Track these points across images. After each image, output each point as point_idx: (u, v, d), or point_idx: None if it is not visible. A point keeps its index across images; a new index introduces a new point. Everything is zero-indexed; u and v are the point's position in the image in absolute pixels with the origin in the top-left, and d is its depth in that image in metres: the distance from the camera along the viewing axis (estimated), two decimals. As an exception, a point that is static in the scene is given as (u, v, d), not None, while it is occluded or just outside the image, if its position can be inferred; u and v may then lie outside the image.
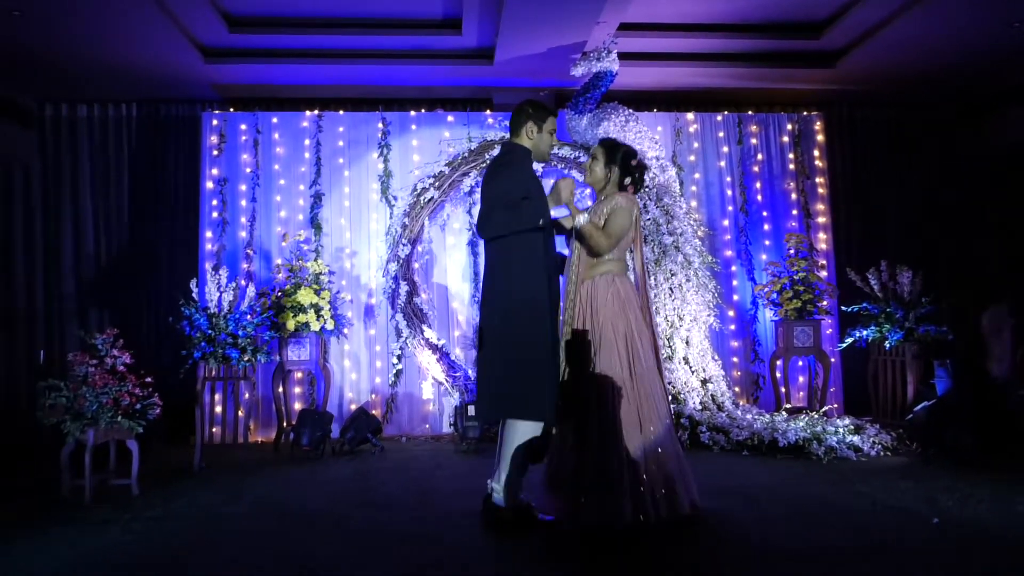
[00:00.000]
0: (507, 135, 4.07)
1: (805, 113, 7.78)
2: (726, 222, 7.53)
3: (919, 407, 5.55)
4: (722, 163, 7.60)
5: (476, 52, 6.68)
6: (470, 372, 6.63)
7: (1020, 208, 7.61)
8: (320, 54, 6.66)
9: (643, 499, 3.54)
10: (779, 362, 6.95)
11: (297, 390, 6.89)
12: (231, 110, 7.33)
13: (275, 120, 7.26)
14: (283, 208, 7.19)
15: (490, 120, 7.28)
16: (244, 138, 7.21)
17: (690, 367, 6.38)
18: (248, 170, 7.18)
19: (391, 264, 6.73)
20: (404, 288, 6.72)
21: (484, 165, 6.54)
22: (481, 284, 4.03)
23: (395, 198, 7.09)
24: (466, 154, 6.81)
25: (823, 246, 7.55)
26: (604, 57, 6.24)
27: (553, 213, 3.81)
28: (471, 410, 5.99)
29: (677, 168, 7.35)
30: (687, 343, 6.43)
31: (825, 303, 6.87)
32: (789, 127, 7.70)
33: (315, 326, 6.31)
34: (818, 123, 7.78)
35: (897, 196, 7.97)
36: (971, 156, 8.06)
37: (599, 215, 3.86)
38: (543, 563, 3.19)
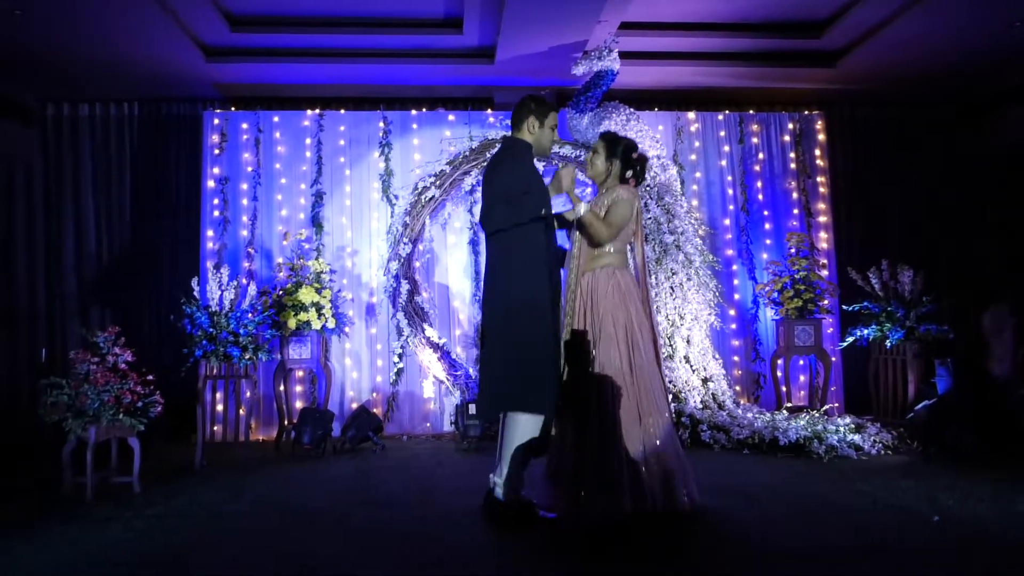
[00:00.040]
0: (508, 133, 4.07)
1: (806, 112, 7.78)
2: (727, 221, 7.53)
3: (920, 406, 5.55)
4: (723, 162, 7.60)
5: (477, 51, 6.69)
6: (471, 371, 6.64)
7: (1020, 208, 7.61)
8: (321, 53, 6.67)
9: (643, 495, 3.54)
10: (780, 361, 6.95)
11: (298, 388, 6.90)
12: (232, 109, 7.34)
13: (276, 119, 7.26)
14: (284, 207, 7.19)
15: (491, 119, 7.29)
16: (245, 137, 7.22)
17: (691, 366, 6.38)
18: (249, 169, 7.19)
19: (392, 263, 6.73)
20: (405, 287, 6.73)
21: (485, 164, 6.53)
22: (483, 281, 4.03)
23: (396, 197, 7.09)
24: (467, 153, 6.81)
25: (824, 245, 7.55)
26: (605, 56, 6.24)
27: (554, 203, 3.81)
28: (472, 408, 6.00)
29: (678, 167, 7.35)
30: (688, 342, 6.43)
31: (826, 302, 6.87)
32: (790, 126, 7.70)
33: (316, 325, 6.31)
34: (819, 122, 7.78)
35: (898, 195, 7.97)
36: (972, 156, 8.06)
37: (600, 207, 3.87)
38: (544, 561, 3.19)
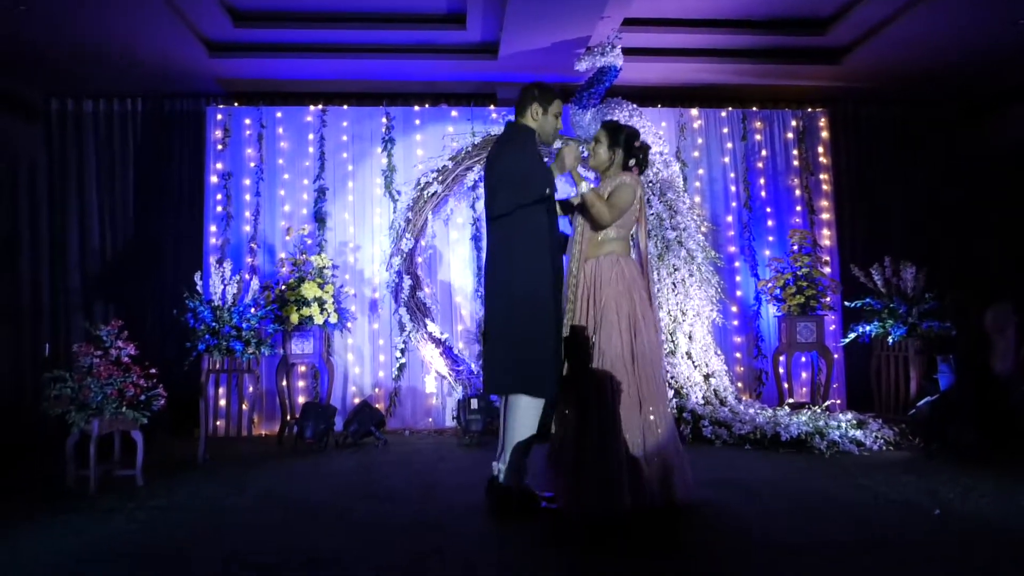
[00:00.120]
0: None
1: (810, 110, 7.78)
2: (730, 218, 7.53)
3: (922, 402, 5.54)
4: (726, 159, 7.60)
5: (480, 47, 6.70)
6: (473, 366, 6.65)
7: (1022, 207, 7.60)
8: (324, 48, 6.68)
9: (642, 489, 3.54)
10: (782, 358, 6.95)
11: (301, 384, 6.91)
12: (235, 104, 7.35)
13: (279, 115, 7.27)
14: (287, 202, 7.20)
15: (494, 115, 7.28)
16: (248, 132, 7.22)
17: (693, 362, 6.39)
18: (252, 164, 7.19)
19: (394, 258, 6.75)
20: (407, 282, 6.74)
21: (488, 154, 6.56)
22: (483, 263, 4.03)
23: (399, 193, 7.10)
24: (470, 148, 6.82)
25: (827, 242, 7.55)
26: (608, 52, 6.23)
27: (557, 186, 3.81)
28: (474, 404, 6.00)
29: (681, 164, 7.35)
30: (690, 338, 6.44)
31: (828, 299, 6.87)
32: (793, 123, 7.70)
33: (319, 319, 6.32)
34: (823, 120, 7.77)
35: (901, 193, 7.97)
36: (974, 154, 8.05)
37: (603, 191, 3.87)
38: (545, 553, 3.20)
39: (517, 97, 3.95)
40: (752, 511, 3.78)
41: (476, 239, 7.12)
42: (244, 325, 5.94)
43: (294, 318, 6.26)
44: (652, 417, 3.67)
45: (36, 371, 6.87)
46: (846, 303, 6.95)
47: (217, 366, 5.98)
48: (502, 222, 3.74)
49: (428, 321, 6.76)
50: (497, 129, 6.91)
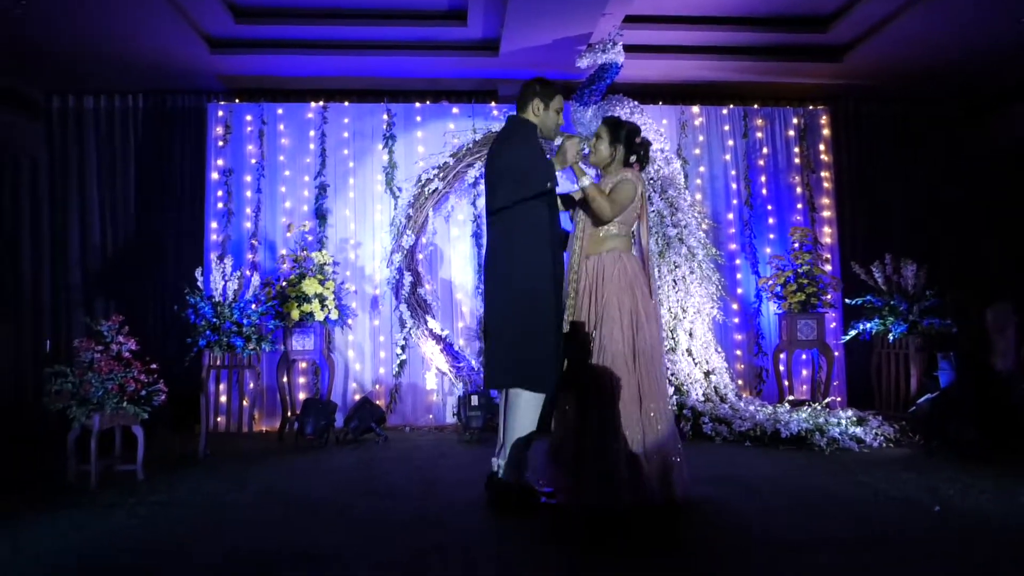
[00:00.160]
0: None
1: (811, 107, 7.78)
2: (731, 215, 7.53)
3: (922, 399, 5.55)
4: (727, 156, 7.59)
5: (481, 44, 6.69)
6: (473, 363, 6.66)
7: (1022, 206, 7.60)
8: (326, 45, 6.68)
9: (641, 486, 3.54)
10: (782, 355, 6.95)
11: (302, 380, 6.92)
12: (237, 101, 7.34)
13: (280, 111, 7.27)
14: (288, 199, 7.20)
15: (495, 112, 7.28)
16: (249, 129, 7.22)
17: (693, 359, 6.40)
18: (253, 161, 7.19)
19: (395, 255, 6.75)
20: (408, 279, 6.74)
21: (489, 149, 6.56)
22: (483, 258, 4.02)
23: (400, 189, 7.11)
24: (471, 145, 6.82)
25: (828, 240, 7.55)
26: (609, 49, 6.24)
27: (559, 181, 3.80)
28: (474, 400, 6.01)
29: (682, 161, 7.35)
30: (690, 335, 6.45)
31: (829, 296, 6.87)
32: (795, 121, 7.69)
33: (319, 316, 6.32)
34: (824, 117, 7.76)
35: (902, 191, 7.96)
36: (974, 152, 8.05)
37: (604, 188, 3.86)
38: (545, 548, 3.20)
39: (518, 92, 3.94)
40: (752, 508, 3.78)
41: (477, 236, 7.12)
42: (245, 321, 5.94)
43: (295, 314, 6.27)
44: (652, 414, 3.67)
45: (37, 367, 6.88)
46: (847, 300, 6.95)
47: (218, 362, 5.98)
48: (503, 216, 3.73)
49: (429, 318, 6.77)
50: (498, 126, 6.91)
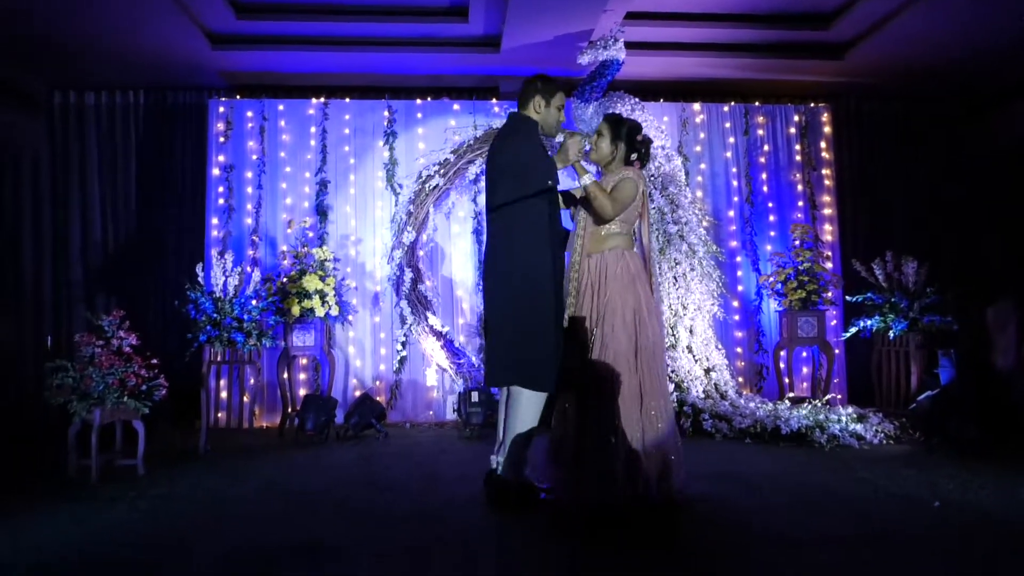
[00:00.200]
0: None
1: (812, 105, 7.77)
2: (731, 213, 7.53)
3: (922, 396, 5.55)
4: (728, 154, 7.59)
5: (482, 40, 6.68)
6: (474, 359, 6.66)
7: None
8: (327, 41, 6.67)
9: (640, 483, 3.54)
10: (783, 352, 6.96)
11: (302, 376, 6.92)
12: (238, 97, 7.34)
13: (281, 107, 7.27)
14: (289, 195, 7.20)
15: (496, 109, 7.28)
16: (250, 125, 7.22)
17: (693, 356, 6.39)
18: (254, 157, 7.19)
19: (396, 251, 6.75)
20: (409, 275, 6.74)
21: (490, 146, 6.56)
22: (483, 255, 4.01)
23: (400, 186, 7.11)
24: (471, 141, 6.82)
25: (828, 238, 7.56)
26: (611, 45, 6.23)
27: (560, 178, 3.79)
28: (475, 396, 6.01)
29: (683, 158, 7.35)
30: (691, 332, 6.44)
31: (830, 294, 6.87)
32: (796, 119, 7.70)
33: (320, 312, 6.33)
34: (825, 115, 7.76)
35: (903, 189, 7.96)
36: (976, 151, 8.05)
37: (606, 186, 3.85)
38: (545, 543, 3.21)
39: (520, 89, 3.94)
40: (752, 504, 3.78)
41: (477, 233, 7.12)
42: (245, 317, 5.95)
43: (295, 310, 6.27)
44: (653, 412, 3.66)
45: (38, 363, 6.87)
46: (847, 297, 6.95)
47: (218, 358, 5.98)
48: (503, 213, 3.72)
49: (429, 314, 6.77)
50: (499, 122, 6.91)
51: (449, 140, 6.95)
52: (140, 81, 7.40)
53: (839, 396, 7.00)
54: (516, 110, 3.94)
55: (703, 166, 7.54)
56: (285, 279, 6.46)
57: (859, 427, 5.44)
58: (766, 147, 7.64)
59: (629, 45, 6.42)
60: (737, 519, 3.53)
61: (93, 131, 7.45)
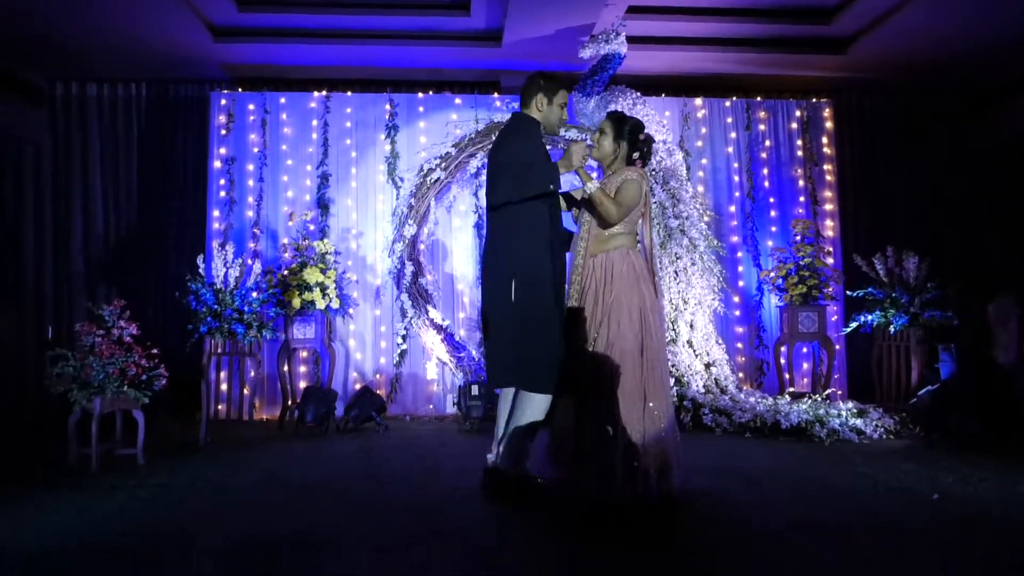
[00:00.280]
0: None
1: (814, 100, 7.76)
2: (732, 208, 7.52)
3: (923, 391, 5.55)
4: (730, 149, 7.59)
5: (484, 34, 6.68)
6: (474, 352, 6.65)
7: (1025, 199, 7.62)
8: (329, 34, 6.67)
9: (640, 478, 3.53)
10: (783, 348, 6.95)
11: (302, 369, 6.92)
12: (239, 90, 7.34)
13: (283, 100, 7.27)
14: (290, 188, 7.21)
15: (497, 103, 7.28)
16: (252, 118, 7.23)
17: (694, 350, 6.40)
18: (256, 150, 7.19)
19: (397, 244, 6.75)
20: (409, 268, 6.74)
21: (491, 145, 6.56)
22: (481, 255, 4.00)
23: (402, 180, 7.11)
24: (473, 135, 6.81)
25: (830, 233, 7.55)
26: (612, 39, 6.23)
27: (565, 184, 3.78)
28: (475, 390, 6.01)
29: (684, 153, 7.35)
30: (691, 326, 6.44)
31: (831, 289, 6.86)
32: (798, 114, 7.69)
33: (320, 304, 6.32)
34: (827, 110, 7.76)
35: (905, 184, 7.95)
36: (977, 146, 8.04)
37: (609, 188, 3.84)
38: (544, 536, 3.21)
39: (522, 86, 3.93)
40: (752, 499, 3.78)
41: (479, 227, 7.13)
42: (246, 308, 5.94)
43: (296, 303, 6.27)
44: (657, 412, 3.65)
45: (39, 355, 6.87)
46: (848, 292, 6.95)
47: (219, 350, 5.99)
48: (503, 213, 3.71)
49: (430, 308, 6.77)
50: (500, 116, 6.91)
51: (451, 134, 6.94)
52: (142, 73, 7.40)
53: (839, 391, 7.00)
54: (518, 107, 3.94)
55: (704, 161, 7.54)
56: (286, 271, 6.46)
57: (859, 422, 5.45)
58: (767, 142, 7.63)
59: (631, 39, 6.42)
60: (737, 514, 3.52)
61: (95, 123, 7.45)
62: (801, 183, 7.62)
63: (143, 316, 6.18)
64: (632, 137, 3.91)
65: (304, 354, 6.90)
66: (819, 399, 6.00)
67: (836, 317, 7.36)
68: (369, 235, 7.18)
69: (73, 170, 7.39)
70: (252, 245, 7.06)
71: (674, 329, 6.38)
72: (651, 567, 2.85)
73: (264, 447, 5.32)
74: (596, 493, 3.47)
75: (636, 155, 3.92)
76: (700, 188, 7.41)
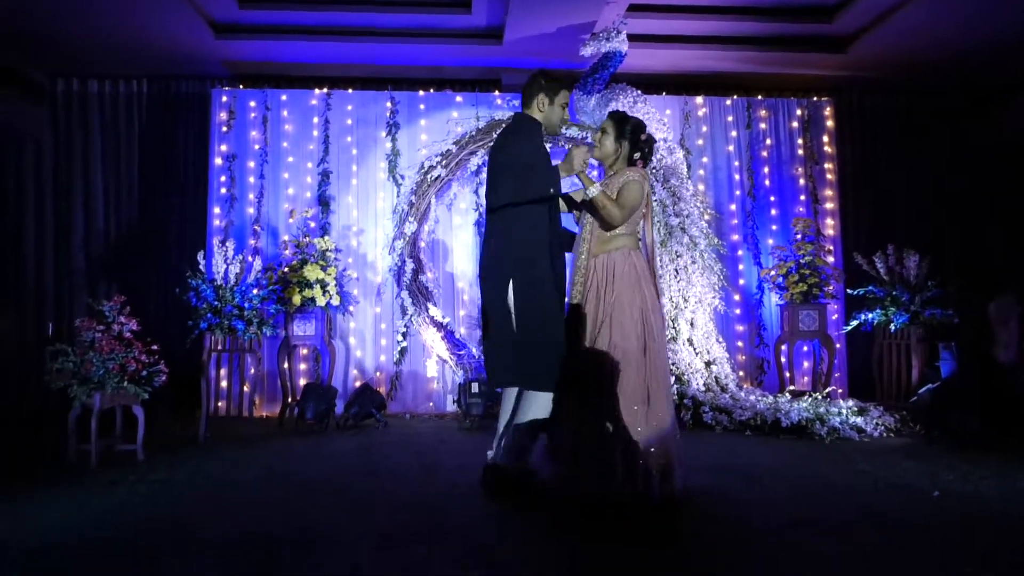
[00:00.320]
0: (516, 113, 4.04)
1: (815, 99, 7.76)
2: (733, 206, 7.52)
3: (923, 389, 5.54)
4: (730, 147, 7.59)
5: (485, 31, 6.68)
6: (474, 350, 6.65)
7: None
8: (330, 31, 6.67)
9: (641, 477, 3.53)
10: (784, 347, 6.95)
11: (303, 366, 6.92)
12: (240, 87, 7.34)
13: (284, 97, 7.27)
14: (291, 185, 7.21)
15: (498, 101, 7.28)
16: (253, 115, 7.23)
17: (694, 349, 6.39)
18: (257, 147, 7.20)
19: (397, 241, 6.75)
20: (410, 266, 6.74)
21: (491, 143, 6.55)
22: (480, 255, 3.99)
23: (402, 177, 7.11)
24: (474, 133, 6.81)
25: (830, 231, 7.55)
26: (613, 37, 6.23)
27: (566, 186, 3.78)
28: (475, 387, 6.01)
29: (685, 151, 7.34)
30: (692, 324, 6.44)
31: (831, 287, 6.86)
32: (799, 112, 7.68)
33: (321, 301, 6.32)
34: (828, 109, 7.75)
35: (906, 182, 7.95)
36: (979, 144, 8.04)
37: (611, 189, 3.84)
38: (545, 533, 3.20)
39: (524, 85, 3.92)
40: (752, 497, 3.77)
41: (479, 224, 7.13)
42: (246, 305, 5.94)
43: (296, 299, 6.27)
44: (660, 413, 3.66)
45: (40, 351, 6.87)
46: (849, 291, 6.95)
47: (219, 346, 5.99)
48: (502, 215, 3.70)
49: (430, 305, 6.77)
50: (501, 114, 6.91)
51: (451, 132, 6.93)
52: (143, 70, 7.40)
53: (840, 389, 7.00)
54: (519, 106, 3.95)
55: (705, 159, 7.54)
56: (286, 268, 6.46)
57: (859, 420, 5.45)
58: (768, 141, 7.63)
59: (632, 37, 6.42)
60: (737, 512, 3.51)
61: (96, 119, 7.45)
62: (802, 181, 7.62)
63: (144, 312, 6.17)
64: (634, 137, 3.90)
65: (304, 351, 6.90)
66: (819, 397, 5.99)
67: (837, 315, 7.36)
68: (370, 232, 7.18)
69: (74, 166, 7.39)
70: (253, 242, 7.06)
71: (674, 327, 6.38)
72: (651, 565, 2.85)
73: (264, 444, 5.32)
74: (596, 491, 3.47)
75: (638, 155, 3.92)
76: (701, 186, 7.41)
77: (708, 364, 6.40)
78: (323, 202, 7.14)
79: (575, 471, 3.58)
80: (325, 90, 7.30)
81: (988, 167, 7.94)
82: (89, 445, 4.39)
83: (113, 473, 4.21)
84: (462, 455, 4.80)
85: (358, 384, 6.64)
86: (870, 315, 6.66)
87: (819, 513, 3.47)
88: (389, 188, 7.19)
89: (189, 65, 7.25)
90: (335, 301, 6.44)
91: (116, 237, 7.44)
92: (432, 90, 7.43)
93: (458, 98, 7.34)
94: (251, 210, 7.14)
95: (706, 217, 6.81)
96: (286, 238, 6.87)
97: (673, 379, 6.03)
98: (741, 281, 7.44)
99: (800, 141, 7.65)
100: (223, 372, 6.74)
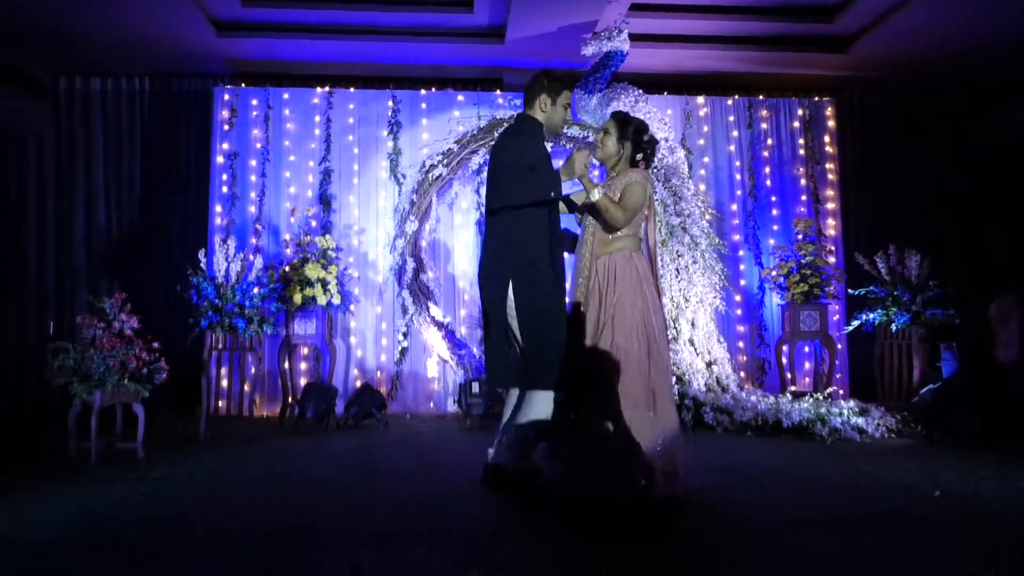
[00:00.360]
0: (517, 113, 4.04)
1: (816, 99, 7.76)
2: (734, 206, 7.52)
3: (925, 390, 5.54)
4: (732, 147, 7.59)
5: (487, 30, 6.68)
6: (475, 350, 6.65)
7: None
8: (332, 30, 6.67)
9: (643, 477, 3.53)
10: (785, 347, 6.94)
11: (303, 366, 6.92)
12: (243, 85, 7.35)
13: (286, 96, 7.27)
14: (292, 184, 7.21)
15: (500, 100, 7.28)
16: (255, 113, 7.23)
17: (695, 349, 6.39)
18: (258, 145, 7.20)
19: (398, 240, 6.75)
20: (411, 265, 6.74)
21: (492, 143, 6.55)
22: (480, 256, 3.99)
23: (404, 176, 7.12)
24: (475, 132, 6.81)
25: (832, 231, 7.55)
26: (615, 37, 6.23)
27: (567, 188, 3.78)
28: (475, 387, 6.00)
29: (686, 151, 7.34)
30: (693, 324, 6.44)
31: (832, 288, 6.86)
32: (800, 112, 7.68)
33: (322, 300, 6.32)
34: (829, 109, 7.75)
35: (907, 181, 7.94)
36: (979, 143, 8.03)
37: (613, 191, 3.84)
38: (546, 533, 3.20)
39: (526, 85, 3.93)
40: (753, 497, 3.77)
41: (480, 224, 7.13)
42: (247, 303, 5.95)
43: (297, 298, 6.26)
44: (664, 414, 3.66)
45: (41, 349, 6.88)
46: (850, 291, 6.94)
47: (220, 345, 5.99)
48: (502, 216, 3.71)
49: (431, 305, 6.77)
50: (503, 113, 6.91)
51: (453, 131, 6.93)
52: (145, 68, 7.40)
53: (841, 390, 6.99)
54: (521, 106, 3.95)
55: (706, 159, 7.54)
56: (287, 267, 6.46)
57: (860, 420, 5.44)
58: (770, 141, 7.63)
59: (633, 37, 6.42)
60: (738, 512, 3.51)
61: (98, 117, 7.45)
62: (803, 181, 7.62)
63: (145, 310, 6.17)
64: (636, 138, 3.90)
65: (305, 350, 6.90)
66: (821, 398, 5.99)
67: (838, 316, 7.36)
68: (371, 231, 7.18)
69: (76, 164, 7.38)
70: (254, 240, 7.06)
71: (675, 327, 6.37)
72: (651, 564, 2.84)
73: (264, 442, 5.32)
74: (596, 490, 3.47)
75: (640, 156, 3.91)
76: (702, 186, 7.41)
77: (709, 364, 6.39)
78: (324, 201, 7.14)
79: (575, 470, 3.58)
80: (327, 89, 7.30)
81: (988, 167, 7.93)
82: (89, 443, 4.39)
83: (113, 471, 4.21)
84: (462, 455, 4.79)
85: (359, 384, 6.65)
86: (871, 315, 6.66)
87: (820, 513, 3.47)
88: (390, 187, 7.19)
89: (191, 63, 7.25)
90: (336, 300, 6.44)
91: (117, 235, 7.44)
92: (434, 89, 7.43)
93: (460, 97, 7.34)
94: (252, 208, 7.14)
95: (707, 217, 6.81)
96: (287, 237, 6.87)
97: (674, 379, 6.02)
98: (742, 281, 7.44)
99: (801, 141, 7.65)
100: (224, 371, 6.74)
